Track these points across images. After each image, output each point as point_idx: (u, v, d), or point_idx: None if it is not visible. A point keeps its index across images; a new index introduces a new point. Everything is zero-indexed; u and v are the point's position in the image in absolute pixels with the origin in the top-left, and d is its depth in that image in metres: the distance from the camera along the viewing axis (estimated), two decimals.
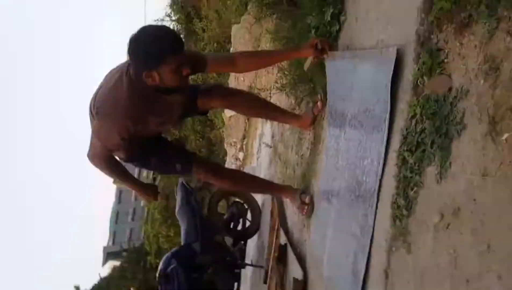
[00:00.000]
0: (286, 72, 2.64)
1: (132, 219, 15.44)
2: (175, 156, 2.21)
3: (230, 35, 9.09)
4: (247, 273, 4.72)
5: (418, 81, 1.29)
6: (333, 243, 1.76)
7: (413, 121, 1.29)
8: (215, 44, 11.17)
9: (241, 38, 8.15)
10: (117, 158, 2.05)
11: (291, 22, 2.55)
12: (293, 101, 3.05)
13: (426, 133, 1.22)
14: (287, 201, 2.71)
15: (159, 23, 13.17)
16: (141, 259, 11.86)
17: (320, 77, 2.21)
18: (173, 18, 12.98)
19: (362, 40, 1.78)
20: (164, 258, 4.11)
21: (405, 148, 1.29)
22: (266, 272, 3.36)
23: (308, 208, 2.24)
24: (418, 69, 1.30)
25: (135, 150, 1.97)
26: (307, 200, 2.24)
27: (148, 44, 1.70)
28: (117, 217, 13.91)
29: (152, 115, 1.91)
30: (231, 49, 8.81)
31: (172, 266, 3.88)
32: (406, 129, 1.31)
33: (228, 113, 9.50)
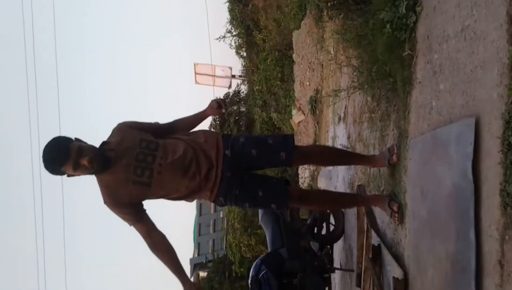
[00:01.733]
0: (361, 70, 2.63)
1: (214, 230, 15.99)
2: (271, 193, 2.25)
3: (291, 41, 9.19)
4: (335, 279, 4.69)
5: None
6: (434, 241, 1.71)
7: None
8: (276, 53, 11.35)
9: (303, 43, 8.20)
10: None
11: (362, 20, 2.54)
12: (369, 99, 3.01)
13: None
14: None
15: (221, 40, 13.66)
16: (226, 269, 12.22)
17: (400, 70, 2.18)
18: (234, 33, 13.41)
19: (445, 28, 1.73)
20: (254, 264, 4.23)
21: (510, 133, 1.24)
22: (358, 275, 3.31)
23: (399, 215, 2.21)
24: None
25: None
26: (395, 208, 2.21)
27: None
28: (199, 229, 14.47)
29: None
30: (294, 55, 8.88)
31: (263, 272, 3.98)
32: (508, 114, 1.26)
33: (296, 119, 9.55)
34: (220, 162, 2.15)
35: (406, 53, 2.11)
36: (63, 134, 2.34)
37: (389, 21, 2.18)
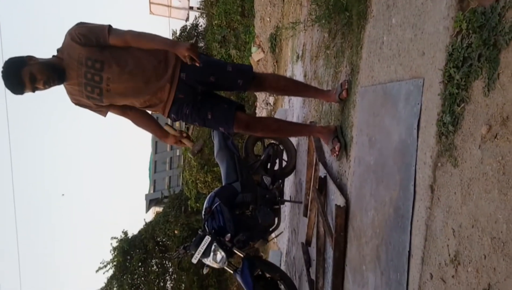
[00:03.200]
0: (319, 3, 2.58)
1: (170, 167, 16.07)
2: (219, 117, 2.35)
3: None
4: (284, 211, 4.93)
5: None
6: (378, 187, 1.80)
7: (459, 37, 1.28)
8: None
9: None
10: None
11: None
12: (326, 35, 3.00)
13: (473, 48, 1.21)
14: None
15: None
16: (182, 204, 12.47)
17: (356, 4, 2.16)
18: None
19: None
20: (208, 197, 4.33)
21: (451, 65, 1.28)
22: (306, 206, 3.50)
23: (339, 153, 2.37)
24: None
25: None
26: (337, 147, 2.37)
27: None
28: (155, 167, 14.45)
29: None
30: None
31: (216, 204, 4.10)
32: (452, 46, 1.29)
33: (256, 57, 9.40)
34: (175, 84, 2.24)
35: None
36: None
37: None
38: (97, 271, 12.47)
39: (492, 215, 1.08)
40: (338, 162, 2.52)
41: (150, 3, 14.84)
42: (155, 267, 13.04)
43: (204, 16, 14.21)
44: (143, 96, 2.25)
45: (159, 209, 14.63)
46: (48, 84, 2.15)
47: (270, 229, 4.26)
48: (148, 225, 13.32)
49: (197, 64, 2.08)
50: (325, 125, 2.59)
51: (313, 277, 2.98)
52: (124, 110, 2.39)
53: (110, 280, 12.57)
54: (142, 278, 12.90)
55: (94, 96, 2.23)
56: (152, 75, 2.20)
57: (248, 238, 4.04)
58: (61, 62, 2.18)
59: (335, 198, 2.38)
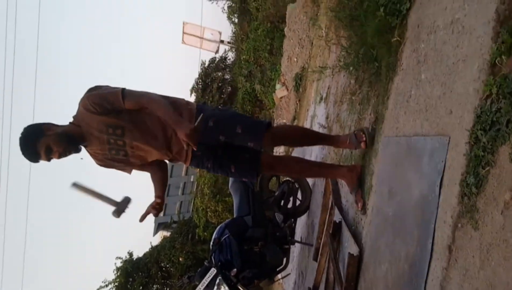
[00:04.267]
0: (349, 51, 2.64)
1: (182, 192, 16.10)
2: (242, 170, 2.38)
3: (285, 14, 9.07)
4: (293, 252, 4.84)
5: (496, 60, 1.28)
6: (395, 240, 1.78)
7: (489, 101, 1.29)
8: (268, 24, 11.18)
9: (296, 18, 8.10)
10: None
11: (357, 0, 2.53)
12: (353, 82, 3.04)
13: (502, 113, 1.22)
14: (342, 181, 2.75)
15: (214, 1, 13.18)
16: (190, 231, 12.38)
17: (386, 55, 2.21)
18: None
19: (436, 18, 1.75)
20: (218, 227, 4.31)
21: (479, 127, 1.29)
22: (317, 249, 3.44)
23: (362, 207, 2.31)
24: (497, 48, 1.29)
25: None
26: (360, 204, 2.33)
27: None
28: (168, 190, 14.48)
29: None
30: (286, 28, 8.78)
31: (225, 236, 4.06)
32: (481, 108, 1.31)
33: (279, 93, 9.54)
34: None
35: (395, 39, 2.13)
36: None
37: (383, 4, 2.19)
38: (98, 289, 12.34)
39: (510, 283, 1.05)
40: (354, 209, 2.49)
41: (183, 33, 15.38)
42: None
43: (234, 50, 14.63)
44: (166, 156, 2.32)
45: (166, 233, 14.55)
46: (63, 155, 2.20)
47: (277, 269, 4.18)
48: (153, 249, 13.22)
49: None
50: (350, 166, 2.52)
51: None
52: (143, 166, 2.42)
53: None
54: None
55: (120, 158, 2.27)
56: (172, 136, 2.22)
57: (254, 276, 3.96)
58: (79, 130, 2.20)
59: (349, 246, 2.34)
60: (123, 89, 2.16)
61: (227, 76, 14.84)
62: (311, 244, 3.91)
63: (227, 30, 15.10)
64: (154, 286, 12.78)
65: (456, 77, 1.50)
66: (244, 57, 11.96)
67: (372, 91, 2.56)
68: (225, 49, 15.26)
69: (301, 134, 2.65)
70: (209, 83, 14.57)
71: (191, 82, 14.86)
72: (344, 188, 2.81)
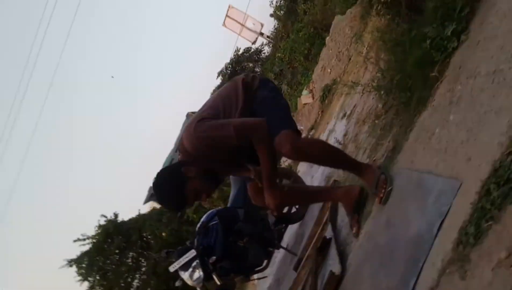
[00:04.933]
0: (385, 74, 2.61)
1: None
2: None
3: (331, 24, 9.02)
4: (276, 257, 4.83)
5: None
6: (379, 270, 1.76)
7: (510, 157, 1.26)
8: (312, 29, 11.13)
9: (340, 31, 8.04)
10: None
11: (406, 27, 2.50)
12: (380, 106, 3.01)
13: None
14: None
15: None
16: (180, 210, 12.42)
17: (421, 88, 2.18)
18: None
19: (479, 64, 1.72)
20: (209, 212, 4.31)
21: (493, 181, 1.26)
22: (299, 261, 3.42)
23: (358, 231, 2.24)
24: None
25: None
26: (355, 229, 2.24)
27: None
28: (172, 161, 14.48)
29: None
30: (328, 38, 8.73)
31: (214, 222, 4.06)
32: (500, 163, 1.28)
33: (304, 99, 9.49)
34: None
35: (434, 74, 2.10)
36: None
37: (431, 38, 2.16)
38: (74, 241, 12.41)
39: None
40: (347, 230, 2.47)
41: (226, 16, 15.41)
42: (130, 260, 12.87)
43: (270, 45, 14.60)
44: None
45: (157, 205, 14.62)
46: (209, 195, 2.13)
47: (256, 269, 4.17)
48: (140, 217, 13.27)
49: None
50: (347, 187, 2.48)
51: None
52: None
53: (83, 255, 12.45)
54: (113, 266, 12.74)
55: None
56: None
57: (231, 269, 3.97)
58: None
59: (332, 264, 2.32)
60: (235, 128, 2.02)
61: (257, 69, 14.82)
62: (295, 254, 3.89)
63: (269, 24, 15.06)
64: (130, 253, 12.83)
65: (484, 126, 1.47)
66: (279, 55, 11.94)
67: (397, 119, 2.54)
68: (262, 42, 15.25)
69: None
70: (239, 71, 14.57)
71: (220, 65, 14.89)
72: (343, 207, 2.79)
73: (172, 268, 3.85)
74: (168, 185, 2.02)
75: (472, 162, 1.45)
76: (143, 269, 12.82)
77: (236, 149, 2.06)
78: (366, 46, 4.12)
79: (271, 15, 13.53)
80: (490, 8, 1.90)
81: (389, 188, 2.01)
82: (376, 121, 3.02)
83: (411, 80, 2.31)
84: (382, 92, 2.65)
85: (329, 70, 8.28)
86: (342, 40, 7.81)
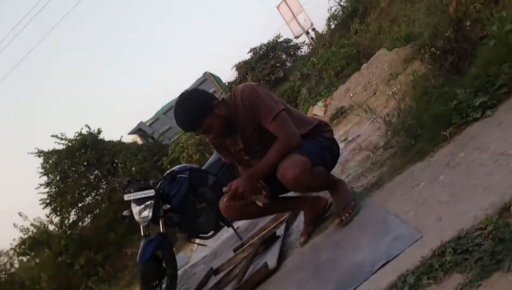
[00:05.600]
0: (401, 115, 2.60)
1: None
2: None
3: (373, 54, 8.97)
4: (223, 234, 4.85)
5: (511, 208, 1.26)
6: (321, 266, 1.77)
7: (478, 232, 1.27)
8: (354, 50, 11.06)
9: (379, 64, 8.00)
10: None
11: (441, 81, 2.49)
12: (381, 143, 3.01)
13: (480, 249, 1.19)
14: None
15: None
16: (158, 155, 12.43)
17: (426, 141, 2.18)
18: (342, 3, 12.93)
19: (490, 141, 1.72)
20: (182, 165, 4.32)
21: (452, 246, 1.27)
22: (242, 245, 3.44)
23: (304, 242, 2.25)
24: None
25: None
26: (303, 239, 2.26)
27: None
28: (168, 110, 14.46)
29: None
30: (364, 65, 8.69)
31: (183, 176, 4.07)
32: (466, 233, 1.28)
33: (316, 110, 9.47)
34: None
35: (445, 134, 2.10)
36: None
37: (459, 100, 2.15)
38: (52, 136, 12.44)
39: None
40: (298, 235, 2.48)
41: (283, 0, 15.25)
42: (93, 178, 12.93)
43: (310, 47, 14.50)
44: None
45: (139, 141, 14.61)
46: (216, 139, 2.17)
47: (200, 235, 4.19)
48: (119, 143, 13.28)
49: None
50: (315, 198, 2.44)
51: None
52: None
53: (55, 152, 12.50)
54: (76, 175, 12.79)
55: (233, 159, 2.33)
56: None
57: (178, 223, 3.98)
58: (235, 120, 2.12)
59: (270, 258, 2.34)
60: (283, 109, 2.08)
61: (288, 63, 14.74)
62: (241, 238, 3.91)
63: (319, 27, 14.93)
64: (96, 171, 12.88)
65: (468, 197, 1.48)
66: (313, 59, 11.86)
67: (391, 160, 2.54)
68: (304, 40, 15.14)
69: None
70: (271, 56, 14.48)
71: (256, 43, 14.74)
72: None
73: (126, 197, 3.85)
74: (195, 102, 2.05)
75: (441, 222, 1.45)
76: (101, 190, 12.88)
77: (257, 138, 2.11)
78: (396, 85, 4.11)
79: (327, 21, 13.38)
80: None
81: (354, 214, 2.03)
82: (371, 155, 3.02)
83: (422, 130, 2.31)
84: (389, 130, 2.65)
85: (351, 94, 8.26)
86: (377, 73, 7.79)
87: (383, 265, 1.45)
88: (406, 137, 2.47)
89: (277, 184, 2.09)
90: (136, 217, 3.82)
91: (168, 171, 4.17)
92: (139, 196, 3.76)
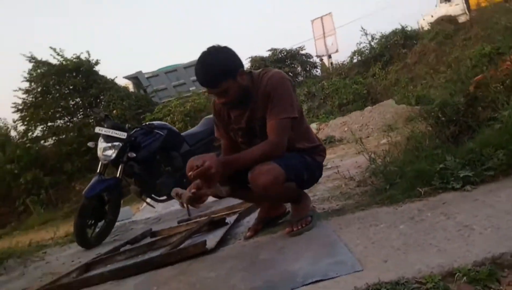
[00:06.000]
0: (386, 161, 2.61)
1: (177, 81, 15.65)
2: None
3: (381, 100, 9.08)
4: (174, 205, 4.79)
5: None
6: (255, 264, 1.75)
7: (416, 285, 1.26)
8: (365, 91, 11.18)
9: (384, 112, 8.09)
10: None
11: (437, 143, 2.52)
12: (358, 179, 3.02)
13: None
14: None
15: (363, 32, 13.09)
16: (143, 109, 12.28)
17: (400, 192, 2.19)
18: (372, 43, 13.02)
19: (460, 212, 1.73)
20: (163, 122, 4.27)
21: (389, 287, 1.26)
22: (188, 219, 3.41)
23: (249, 237, 2.23)
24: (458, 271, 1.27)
25: None
26: (249, 233, 2.25)
27: None
28: (169, 72, 14.22)
29: None
30: (369, 108, 8.78)
31: (160, 133, 4.01)
32: (406, 281, 1.28)
33: None
34: None
35: (420, 190, 2.12)
36: None
37: (445, 166, 2.17)
38: (51, 48, 12.19)
39: None
40: (245, 229, 2.45)
41: (321, 17, 15.31)
42: (72, 103, 12.71)
43: (325, 71, 14.56)
44: None
45: (131, 89, 14.34)
46: (225, 106, 2.05)
47: (153, 196, 4.13)
48: (111, 82, 13.08)
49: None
50: (275, 204, 2.45)
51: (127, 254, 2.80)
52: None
53: (46, 64, 12.27)
54: (57, 95, 12.54)
55: (232, 135, 2.21)
56: None
57: (137, 176, 3.91)
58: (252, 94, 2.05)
59: (210, 239, 2.30)
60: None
61: (300, 77, 14.76)
62: (190, 214, 3.87)
63: (342, 56, 15.03)
64: (78, 98, 12.65)
65: (420, 252, 1.48)
66: (324, 83, 11.93)
67: (360, 196, 2.54)
68: (323, 62, 15.18)
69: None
70: (287, 63, 14.48)
71: (276, 44, 14.67)
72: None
73: (98, 129, 3.78)
74: (224, 60, 1.93)
75: (385, 264, 1.45)
76: (75, 119, 12.66)
77: (260, 126, 2.05)
78: (391, 136, 4.13)
79: (352, 53, 13.45)
80: (508, 186, 1.92)
81: (306, 229, 2.03)
82: (343, 185, 3.03)
83: (400, 179, 2.32)
84: (369, 168, 2.66)
85: (346, 128, 8.32)
86: (378, 119, 7.87)
87: (316, 281, 1.44)
88: (383, 180, 2.48)
89: (246, 175, 2.04)
90: (99, 152, 3.74)
91: (147, 122, 4.11)
92: (110, 134, 3.69)
